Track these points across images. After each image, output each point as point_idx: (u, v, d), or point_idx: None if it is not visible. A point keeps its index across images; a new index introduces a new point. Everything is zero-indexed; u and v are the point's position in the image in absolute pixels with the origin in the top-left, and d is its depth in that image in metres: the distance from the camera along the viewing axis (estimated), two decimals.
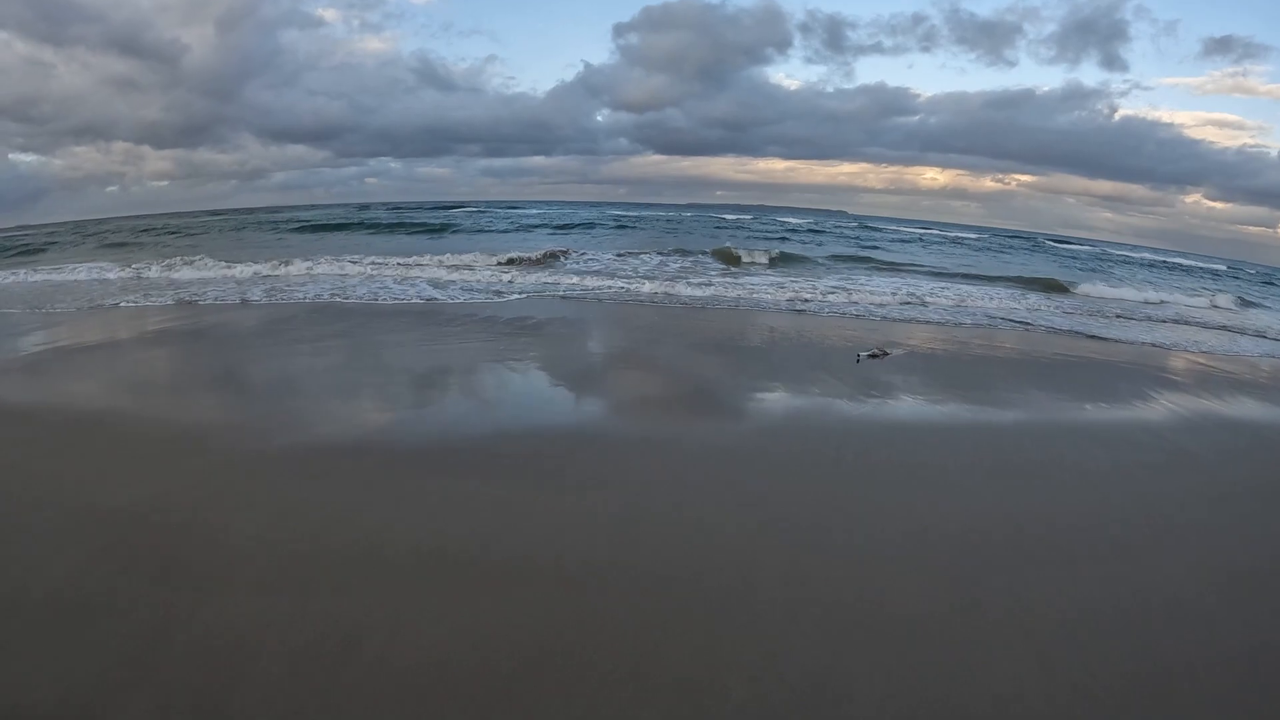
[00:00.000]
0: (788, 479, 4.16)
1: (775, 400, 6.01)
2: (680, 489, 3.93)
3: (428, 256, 15.27)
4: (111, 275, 14.17)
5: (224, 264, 14.44)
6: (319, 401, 5.57)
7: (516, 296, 11.07)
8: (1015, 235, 45.82)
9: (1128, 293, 16.88)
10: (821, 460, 4.47)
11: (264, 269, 13.70)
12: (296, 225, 29.35)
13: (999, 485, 4.29)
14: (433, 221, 30.20)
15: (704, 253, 18.30)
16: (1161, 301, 16.06)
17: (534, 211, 43.04)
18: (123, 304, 10.53)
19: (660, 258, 16.88)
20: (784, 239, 26.70)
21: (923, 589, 3.01)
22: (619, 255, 16.96)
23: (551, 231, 27.67)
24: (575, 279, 12.95)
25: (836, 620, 2.76)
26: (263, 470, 4.07)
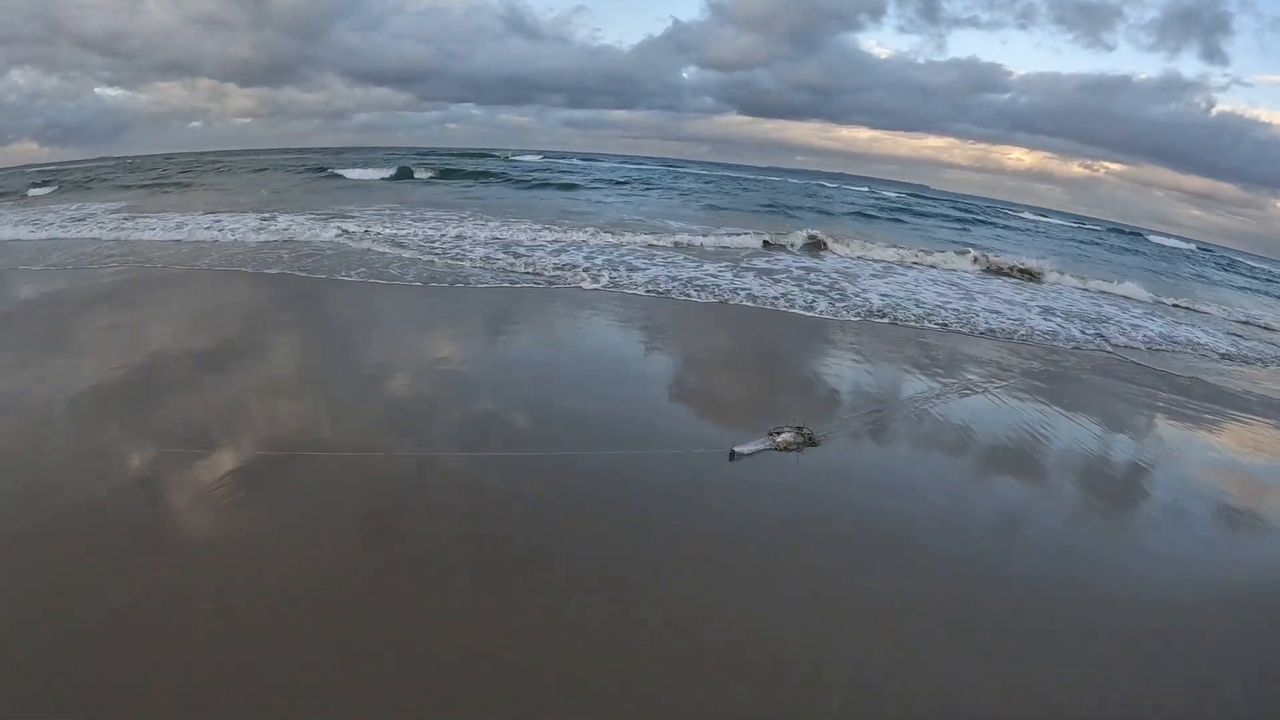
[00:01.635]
0: None
1: None
2: None
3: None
4: (33, 234, 11.86)
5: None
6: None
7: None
8: (1112, 227, 40.43)
9: None
10: None
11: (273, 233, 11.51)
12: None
13: None
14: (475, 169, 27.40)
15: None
16: None
17: (612, 165, 40.10)
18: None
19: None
20: (928, 222, 22.47)
21: None
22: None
23: (635, 193, 24.21)
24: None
25: None
26: None
